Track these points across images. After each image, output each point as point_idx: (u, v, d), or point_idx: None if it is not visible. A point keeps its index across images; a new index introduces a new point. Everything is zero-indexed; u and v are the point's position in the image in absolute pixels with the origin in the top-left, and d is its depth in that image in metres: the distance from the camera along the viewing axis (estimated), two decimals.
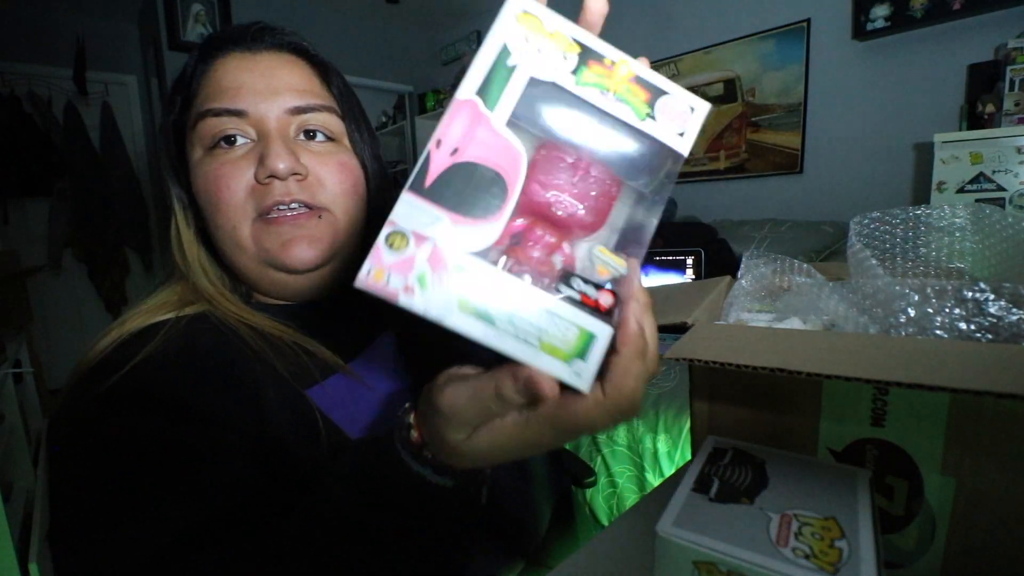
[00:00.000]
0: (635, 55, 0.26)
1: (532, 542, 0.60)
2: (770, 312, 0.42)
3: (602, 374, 0.25)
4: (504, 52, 0.24)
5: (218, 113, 0.45)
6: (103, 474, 0.37)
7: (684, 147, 0.25)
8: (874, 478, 0.33)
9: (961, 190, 1.80)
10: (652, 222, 0.26)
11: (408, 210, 0.23)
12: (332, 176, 0.48)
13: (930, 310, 0.34)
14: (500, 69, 0.24)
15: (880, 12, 2.13)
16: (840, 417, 0.37)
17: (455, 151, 0.24)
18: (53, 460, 0.39)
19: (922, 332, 0.34)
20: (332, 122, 0.50)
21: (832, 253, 2.12)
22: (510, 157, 0.25)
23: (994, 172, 1.74)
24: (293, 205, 0.46)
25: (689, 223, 2.42)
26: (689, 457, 0.40)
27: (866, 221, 0.44)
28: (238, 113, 0.45)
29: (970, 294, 0.34)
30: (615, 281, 0.25)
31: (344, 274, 0.52)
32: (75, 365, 0.44)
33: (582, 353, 0.23)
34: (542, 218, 0.25)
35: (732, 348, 0.31)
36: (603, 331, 0.24)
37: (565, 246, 0.25)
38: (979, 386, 0.23)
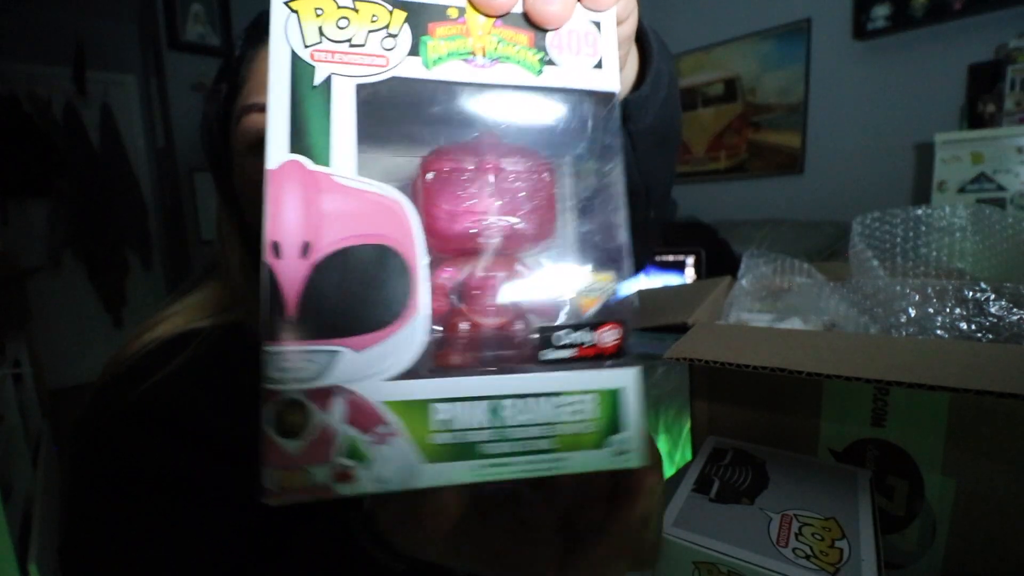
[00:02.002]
0: None
1: None
2: (770, 312, 0.42)
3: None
4: (300, 66, 0.17)
5: (262, 109, 0.44)
6: (114, 496, 0.37)
7: (608, 81, 0.19)
8: (874, 478, 0.33)
9: (962, 190, 1.80)
10: (618, 190, 0.19)
11: (281, 366, 0.16)
12: None
13: (931, 310, 0.34)
14: (307, 95, 0.17)
15: (881, 12, 2.13)
16: (840, 417, 0.37)
17: (306, 248, 0.16)
18: (69, 468, 0.40)
19: (923, 332, 0.34)
20: None
21: (832, 253, 2.12)
22: (386, 213, 0.17)
23: (995, 172, 1.74)
24: None
25: (689, 223, 2.42)
26: (689, 457, 0.40)
27: (868, 221, 0.44)
28: None
29: (971, 294, 0.34)
30: (610, 305, 0.18)
31: None
32: (105, 364, 0.44)
33: (614, 423, 0.17)
34: (473, 256, 0.18)
35: (732, 348, 0.31)
36: (627, 378, 0.18)
37: (522, 276, 0.19)
38: (979, 386, 0.23)
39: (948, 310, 0.34)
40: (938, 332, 0.33)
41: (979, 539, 0.33)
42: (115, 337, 3.43)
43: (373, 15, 0.17)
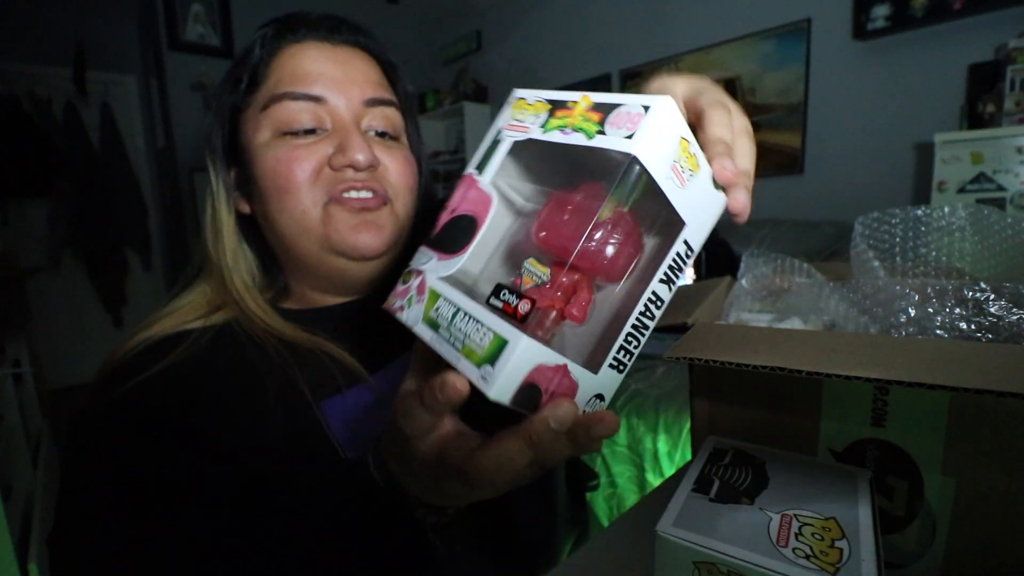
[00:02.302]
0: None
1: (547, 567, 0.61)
2: (770, 312, 0.42)
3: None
4: (497, 134, 0.31)
5: (296, 97, 0.46)
6: (98, 486, 0.38)
7: (632, 146, 0.24)
8: (874, 478, 0.33)
9: (962, 190, 1.81)
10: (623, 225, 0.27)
11: (419, 256, 0.32)
12: (398, 170, 0.50)
13: (930, 310, 0.34)
14: (492, 146, 0.31)
15: (881, 12, 2.13)
16: (840, 417, 0.37)
17: (453, 211, 0.31)
18: (61, 459, 0.41)
19: (923, 332, 0.34)
20: (397, 119, 0.51)
21: (832, 253, 2.12)
22: (483, 202, 0.31)
23: (995, 172, 1.74)
24: (364, 193, 0.47)
25: None
26: (689, 457, 0.40)
27: (868, 221, 0.44)
28: (317, 99, 0.46)
29: (970, 294, 0.34)
30: (539, 287, 0.26)
31: (389, 272, 0.52)
32: (102, 363, 0.45)
33: (492, 358, 0.24)
34: (569, 268, 0.27)
35: (732, 348, 0.31)
36: (515, 337, 0.24)
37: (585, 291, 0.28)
38: (979, 386, 0.23)
39: (948, 310, 0.34)
40: (938, 332, 0.33)
41: (979, 539, 0.33)
42: (115, 337, 3.43)
43: (538, 108, 0.30)
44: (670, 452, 1.16)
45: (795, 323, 0.39)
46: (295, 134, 0.46)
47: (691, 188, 0.27)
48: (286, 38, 0.48)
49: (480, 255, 0.31)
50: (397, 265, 0.52)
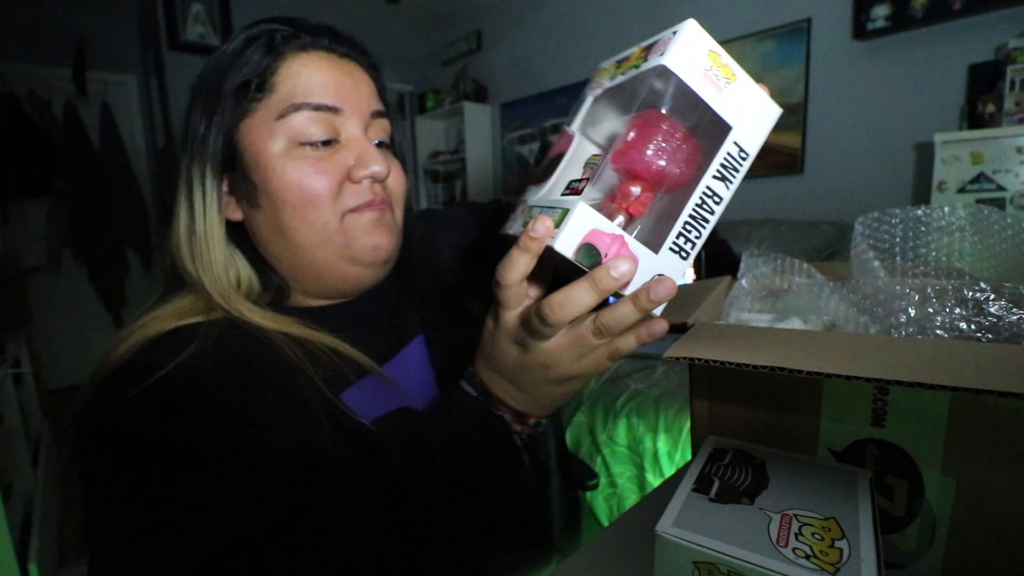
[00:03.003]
0: None
1: (550, 535, 0.64)
2: (770, 312, 0.42)
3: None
4: (583, 94, 0.39)
5: (316, 108, 0.46)
6: (145, 481, 0.36)
7: (664, 60, 0.30)
8: (874, 478, 0.33)
9: (962, 190, 1.80)
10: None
11: (525, 193, 0.39)
12: (396, 178, 0.52)
13: (930, 310, 0.34)
14: (579, 104, 0.39)
15: (880, 12, 2.13)
16: (840, 417, 0.37)
17: (549, 156, 0.39)
18: (87, 467, 0.38)
19: (922, 332, 0.34)
20: (389, 128, 0.53)
21: (832, 253, 2.12)
22: (567, 140, 0.38)
23: (995, 172, 1.74)
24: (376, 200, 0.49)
25: None
26: (689, 457, 0.40)
27: (868, 221, 0.44)
28: (335, 110, 0.47)
29: (970, 294, 0.34)
30: (592, 169, 0.34)
31: (387, 275, 0.54)
32: (95, 368, 0.43)
33: (560, 223, 0.31)
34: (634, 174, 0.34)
35: (732, 348, 0.31)
36: (573, 203, 0.31)
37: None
38: (979, 385, 0.23)
39: (948, 310, 0.34)
40: (938, 332, 0.33)
41: (979, 539, 0.33)
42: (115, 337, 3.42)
43: (610, 70, 0.37)
44: (670, 452, 1.16)
45: (795, 323, 0.39)
46: (313, 145, 0.46)
47: (730, 93, 0.32)
48: (291, 45, 0.46)
49: (570, 175, 0.37)
50: (389, 274, 0.54)
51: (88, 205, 3.25)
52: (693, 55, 0.31)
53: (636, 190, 0.33)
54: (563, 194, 0.34)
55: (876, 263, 0.40)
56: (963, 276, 0.40)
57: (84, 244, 3.31)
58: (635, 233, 0.33)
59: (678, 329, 0.38)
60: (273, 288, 0.51)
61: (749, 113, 0.32)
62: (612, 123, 0.37)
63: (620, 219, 0.33)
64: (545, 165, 0.39)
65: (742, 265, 0.48)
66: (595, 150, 0.38)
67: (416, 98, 4.11)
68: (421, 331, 0.58)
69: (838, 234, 2.18)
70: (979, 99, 1.84)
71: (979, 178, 1.77)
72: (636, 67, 0.33)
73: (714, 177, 0.33)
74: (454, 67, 4.07)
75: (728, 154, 0.33)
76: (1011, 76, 1.74)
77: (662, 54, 0.30)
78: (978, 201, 1.77)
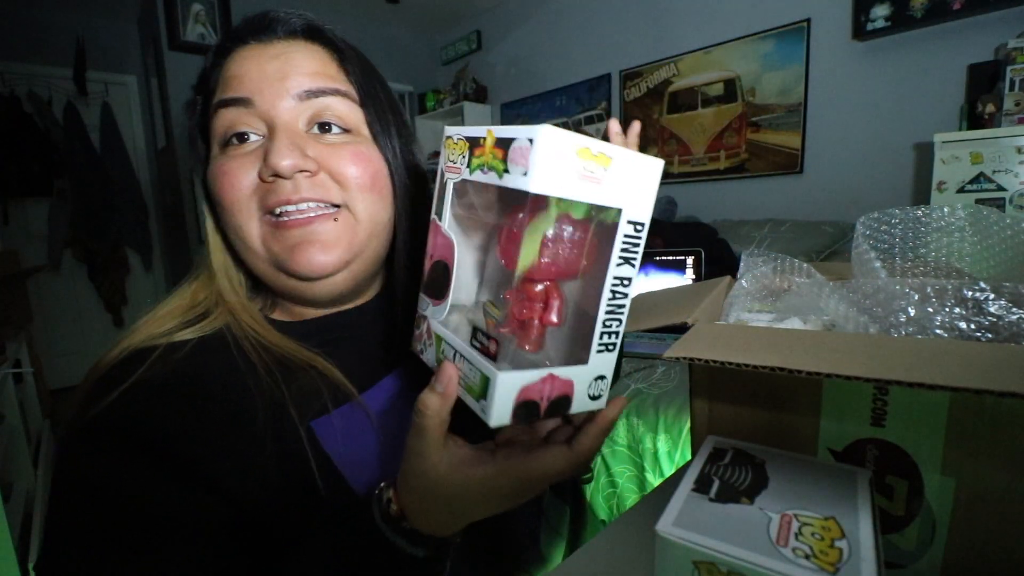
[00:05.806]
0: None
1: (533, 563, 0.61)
2: (770, 312, 0.42)
3: (570, 436, 0.34)
4: (443, 176, 0.34)
5: (226, 104, 0.43)
6: (79, 515, 0.36)
7: (529, 184, 0.26)
8: (874, 478, 0.33)
9: (961, 190, 1.80)
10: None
11: (420, 301, 0.37)
12: (347, 170, 0.44)
13: (930, 310, 0.34)
14: (442, 189, 0.34)
15: (880, 12, 2.13)
16: (840, 417, 0.37)
17: (432, 256, 0.36)
18: (52, 476, 0.39)
19: (922, 332, 0.34)
20: (347, 110, 0.45)
21: (832, 253, 2.12)
22: (448, 247, 0.34)
23: (994, 172, 1.74)
24: (303, 205, 0.43)
25: (689, 223, 2.42)
26: (689, 457, 0.40)
27: (870, 221, 0.44)
28: (244, 102, 0.43)
29: (970, 294, 0.34)
30: (497, 327, 0.30)
31: (368, 277, 0.49)
32: (88, 371, 0.43)
33: (484, 393, 0.29)
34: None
35: (732, 348, 0.31)
36: (493, 373, 0.28)
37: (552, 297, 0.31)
38: (979, 385, 0.23)
39: (948, 310, 0.34)
40: (938, 332, 0.33)
41: (979, 539, 0.33)
42: (115, 337, 3.42)
43: (462, 147, 0.32)
44: (670, 452, 1.16)
45: (795, 323, 0.39)
46: (231, 143, 0.44)
47: (610, 179, 0.28)
48: (227, 50, 0.45)
49: (466, 289, 0.35)
50: (372, 270, 0.49)
51: (88, 205, 3.25)
52: (561, 165, 0.26)
53: (544, 295, 0.31)
54: (474, 345, 0.31)
55: (877, 263, 0.40)
56: (963, 276, 0.40)
57: (84, 244, 3.31)
58: (554, 351, 0.32)
59: (678, 329, 0.38)
60: (261, 297, 0.50)
61: (633, 185, 0.29)
62: (484, 218, 0.34)
63: (536, 327, 0.31)
64: (430, 271, 0.36)
65: (742, 265, 0.48)
66: (482, 255, 0.35)
67: (416, 98, 4.11)
68: (401, 365, 0.51)
69: (838, 234, 2.19)
70: (979, 99, 1.84)
71: (979, 178, 1.77)
72: (496, 172, 0.28)
73: (618, 264, 0.30)
74: (454, 67, 4.07)
75: (625, 236, 0.30)
76: (1011, 76, 1.74)
77: (526, 173, 0.26)
78: (978, 201, 1.77)
